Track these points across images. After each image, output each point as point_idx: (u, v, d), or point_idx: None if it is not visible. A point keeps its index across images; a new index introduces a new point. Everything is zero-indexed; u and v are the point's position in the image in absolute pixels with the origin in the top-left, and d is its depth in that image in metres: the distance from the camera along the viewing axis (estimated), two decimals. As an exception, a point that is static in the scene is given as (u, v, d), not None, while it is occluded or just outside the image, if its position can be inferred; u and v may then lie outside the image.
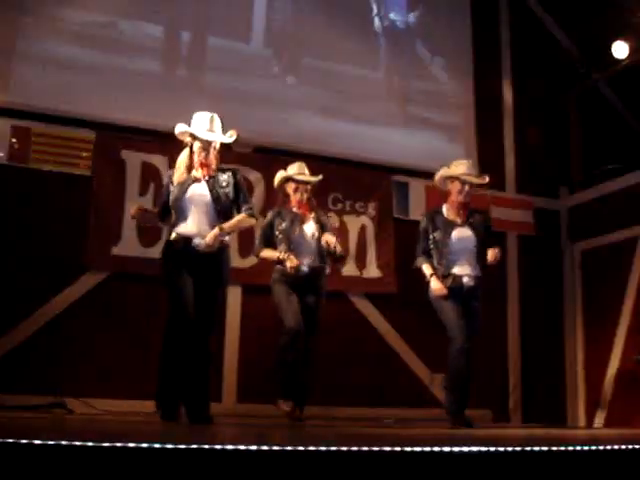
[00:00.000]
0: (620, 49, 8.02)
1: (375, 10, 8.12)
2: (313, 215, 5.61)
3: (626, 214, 7.49)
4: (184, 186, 4.73)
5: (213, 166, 4.82)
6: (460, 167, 5.68)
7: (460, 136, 8.14)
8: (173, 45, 7.20)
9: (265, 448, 2.20)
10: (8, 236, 6.13)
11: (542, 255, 8.15)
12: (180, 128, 4.86)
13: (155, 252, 6.44)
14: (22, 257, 6.14)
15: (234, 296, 6.76)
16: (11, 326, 5.98)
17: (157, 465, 2.11)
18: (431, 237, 5.63)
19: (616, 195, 7.71)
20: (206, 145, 4.80)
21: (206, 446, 2.16)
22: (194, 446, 2.14)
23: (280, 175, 5.68)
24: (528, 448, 2.61)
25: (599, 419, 7.53)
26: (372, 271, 7.28)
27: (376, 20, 8.10)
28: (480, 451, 2.54)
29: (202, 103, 6.97)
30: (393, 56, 8.07)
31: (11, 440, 2.02)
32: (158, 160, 6.62)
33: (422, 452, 2.43)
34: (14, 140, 6.25)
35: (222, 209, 4.73)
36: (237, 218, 4.80)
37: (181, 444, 2.14)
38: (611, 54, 8.07)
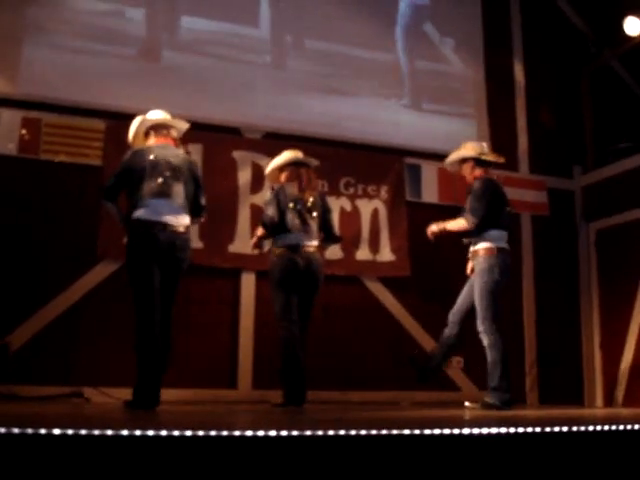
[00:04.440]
0: (632, 26, 7.92)
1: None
2: None
3: (640, 192, 7.44)
4: None
5: None
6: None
7: (472, 117, 8.09)
8: (182, 32, 7.17)
9: (284, 433, 2.20)
10: (20, 228, 6.15)
11: (557, 235, 8.12)
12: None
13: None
14: (35, 249, 6.16)
15: (248, 282, 6.77)
16: (26, 317, 6.00)
17: (176, 452, 2.11)
18: None
19: (630, 173, 7.65)
20: None
21: (225, 433, 2.16)
22: (213, 433, 2.14)
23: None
24: (547, 429, 2.60)
25: (617, 399, 7.51)
26: (385, 255, 7.27)
27: (386, 1, 8.05)
28: (498, 433, 2.53)
29: (211, 90, 7.01)
30: (403, 38, 8.01)
31: (30, 430, 2.02)
32: (169, 148, 6.61)
33: (440, 435, 2.42)
34: (24, 131, 6.25)
35: None
36: None
37: (200, 431, 2.13)
38: (623, 31, 7.98)
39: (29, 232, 6.18)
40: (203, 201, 4.92)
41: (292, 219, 5.33)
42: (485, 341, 5.38)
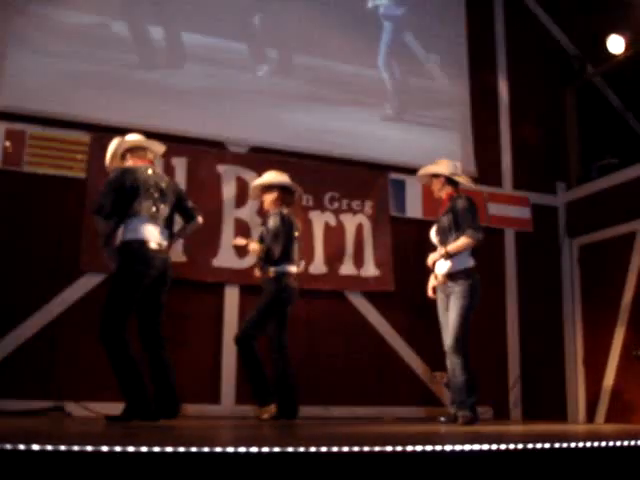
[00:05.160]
0: (615, 44, 8.00)
1: (369, 6, 8.10)
2: None
3: (624, 209, 7.48)
4: None
5: None
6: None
7: (456, 133, 8.13)
8: (166, 46, 7.16)
9: (266, 450, 2.18)
10: (3, 240, 6.11)
11: (540, 251, 8.14)
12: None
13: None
14: (18, 261, 6.11)
15: (232, 296, 6.74)
16: (8, 330, 5.95)
17: (156, 469, 2.09)
18: None
19: (613, 190, 7.69)
20: None
21: (206, 449, 2.14)
22: (194, 449, 2.12)
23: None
24: (530, 445, 2.60)
25: (599, 415, 7.52)
26: (370, 270, 7.26)
27: (370, 17, 8.08)
28: (481, 449, 2.52)
29: (196, 104, 7.01)
30: (388, 53, 8.04)
31: (9, 446, 2.00)
32: (153, 161, 6.60)
33: (423, 451, 2.41)
34: (8, 144, 6.21)
35: None
36: None
37: (180, 447, 2.12)
38: (607, 49, 8.05)
39: (11, 244, 6.14)
40: (190, 204, 5.01)
41: (295, 248, 5.59)
42: (455, 360, 5.42)
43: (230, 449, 2.17)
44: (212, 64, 7.24)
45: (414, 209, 7.54)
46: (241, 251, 6.15)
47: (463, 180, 5.83)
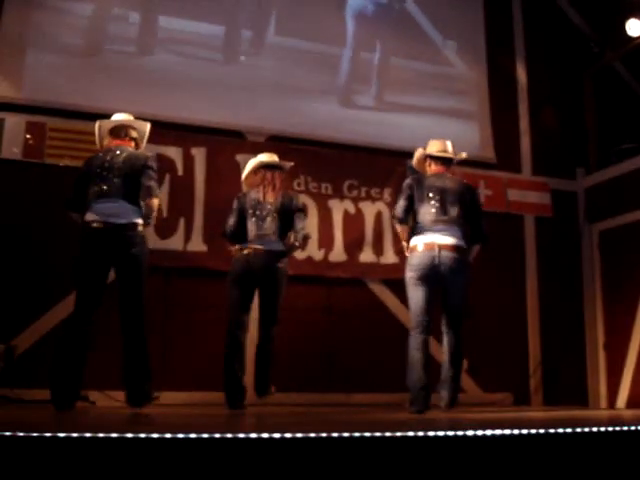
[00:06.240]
0: (634, 27, 7.92)
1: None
2: None
3: (643, 193, 7.44)
4: None
5: None
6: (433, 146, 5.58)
7: (475, 119, 8.10)
8: (184, 37, 7.17)
9: (288, 436, 2.21)
10: (25, 231, 6.16)
11: (560, 237, 8.11)
12: None
13: (172, 244, 6.47)
14: (38, 253, 6.17)
15: (254, 286, 6.77)
16: (31, 321, 6.02)
17: (179, 455, 2.12)
18: None
19: (633, 174, 7.64)
20: None
21: (229, 435, 2.17)
22: (217, 435, 2.15)
23: None
24: (551, 430, 2.60)
25: (621, 400, 7.50)
26: (389, 257, 7.27)
27: (387, 6, 8.06)
28: (503, 434, 2.53)
29: (214, 94, 7.02)
30: (405, 40, 8.01)
31: (35, 434, 2.03)
32: (173, 152, 6.63)
33: (445, 436, 2.43)
34: (29, 136, 6.27)
35: None
36: None
37: (204, 433, 2.14)
38: (625, 32, 7.98)
39: (34, 236, 6.19)
40: (148, 182, 4.79)
41: (250, 226, 5.39)
42: None
43: (253, 435, 2.19)
44: (230, 54, 7.26)
45: (433, 196, 7.53)
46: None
47: (441, 153, 5.49)
